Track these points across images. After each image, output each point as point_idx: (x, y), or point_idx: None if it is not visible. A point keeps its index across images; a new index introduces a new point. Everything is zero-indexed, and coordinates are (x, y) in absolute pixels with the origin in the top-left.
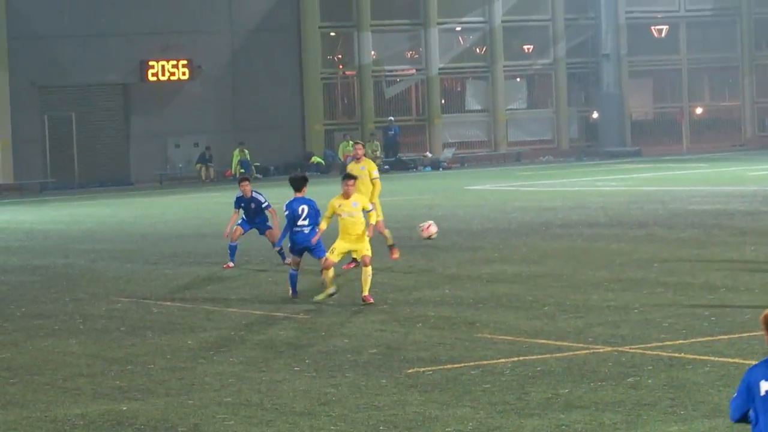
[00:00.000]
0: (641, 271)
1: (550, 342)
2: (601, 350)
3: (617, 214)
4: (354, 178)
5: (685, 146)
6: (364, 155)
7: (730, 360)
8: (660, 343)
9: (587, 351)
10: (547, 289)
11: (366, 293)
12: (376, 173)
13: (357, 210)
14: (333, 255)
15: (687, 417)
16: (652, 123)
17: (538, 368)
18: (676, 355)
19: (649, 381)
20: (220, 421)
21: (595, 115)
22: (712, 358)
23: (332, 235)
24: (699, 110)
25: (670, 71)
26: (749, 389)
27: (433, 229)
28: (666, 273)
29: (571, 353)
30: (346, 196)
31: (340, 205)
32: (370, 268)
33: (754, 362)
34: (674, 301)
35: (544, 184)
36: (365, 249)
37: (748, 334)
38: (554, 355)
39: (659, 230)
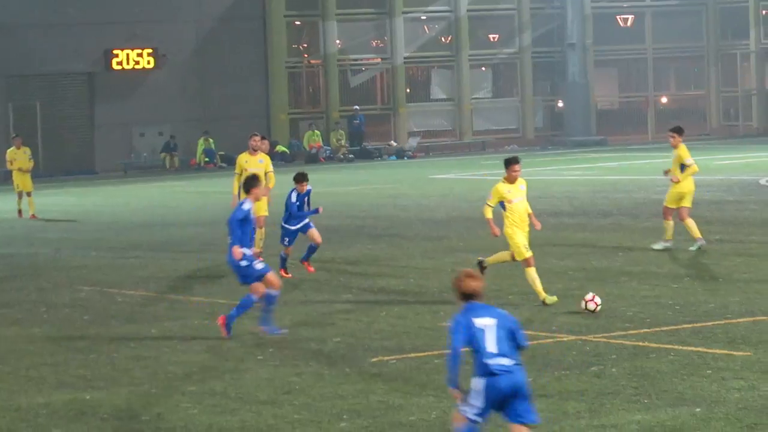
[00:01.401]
0: (606, 260)
1: None
2: (565, 339)
3: (582, 203)
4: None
5: (650, 135)
6: (269, 147)
7: (694, 349)
8: (624, 332)
9: (551, 340)
10: (511, 278)
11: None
12: (271, 167)
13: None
14: None
15: (651, 406)
16: (618, 112)
17: None
18: (640, 344)
19: (613, 370)
20: (183, 410)
21: (561, 104)
22: (676, 346)
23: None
24: (664, 100)
25: (635, 61)
26: (468, 326)
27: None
28: (630, 262)
29: (535, 342)
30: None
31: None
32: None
33: (717, 351)
34: (638, 290)
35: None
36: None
37: (712, 323)
38: None
39: (624, 219)
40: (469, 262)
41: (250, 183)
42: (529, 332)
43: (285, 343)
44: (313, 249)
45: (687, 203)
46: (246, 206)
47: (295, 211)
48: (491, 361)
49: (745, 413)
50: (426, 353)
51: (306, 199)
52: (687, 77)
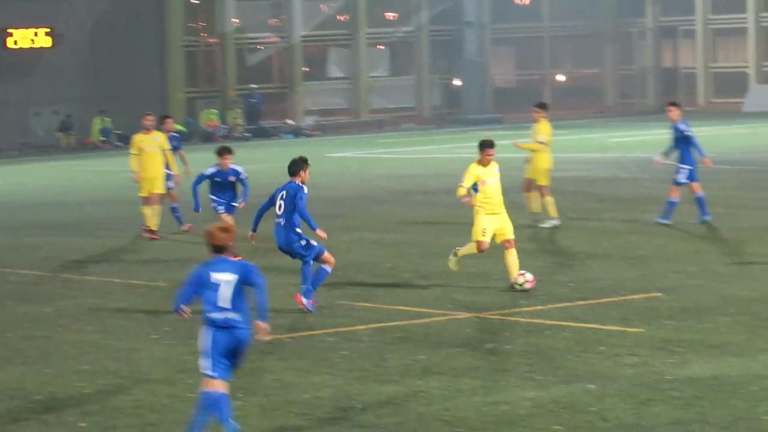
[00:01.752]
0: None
1: (409, 309)
2: (460, 317)
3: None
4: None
5: (548, 113)
6: (174, 125)
7: (588, 325)
8: (519, 309)
9: (446, 317)
10: (407, 256)
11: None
12: (168, 144)
13: None
14: None
15: (544, 382)
16: (515, 90)
17: (397, 335)
18: (535, 321)
19: (508, 347)
20: (77, 390)
21: (458, 82)
22: (571, 323)
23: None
24: (561, 77)
25: (532, 39)
26: (199, 279)
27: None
28: (526, 240)
29: (429, 320)
30: None
31: None
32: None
33: (611, 328)
34: (533, 267)
35: (405, 151)
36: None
37: (606, 299)
38: (413, 321)
39: (520, 197)
40: (365, 240)
41: (297, 166)
42: (424, 310)
43: (179, 323)
44: None
45: (544, 181)
46: (305, 189)
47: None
48: (218, 315)
49: (638, 389)
50: (321, 331)
51: (235, 179)
52: (583, 55)
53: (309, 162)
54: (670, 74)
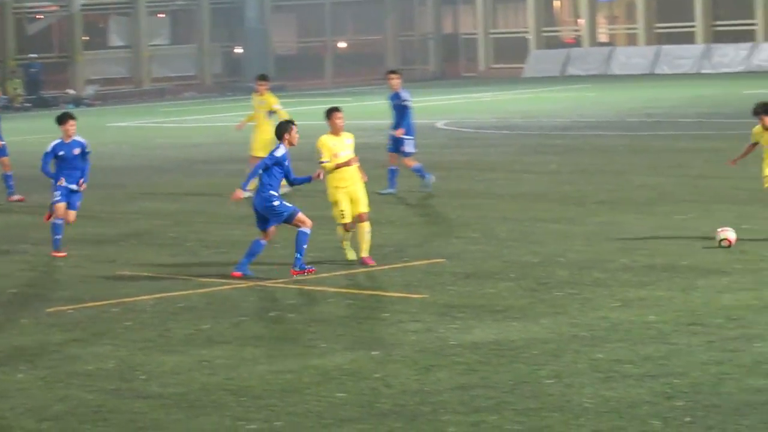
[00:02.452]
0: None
1: (192, 278)
2: (243, 285)
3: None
4: None
5: (329, 81)
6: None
7: (371, 292)
8: (302, 278)
9: (230, 286)
10: (190, 225)
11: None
12: None
13: None
14: None
15: (328, 350)
16: (296, 58)
17: (180, 304)
18: (318, 288)
19: (291, 315)
20: None
21: (239, 50)
22: (354, 291)
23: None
24: (343, 44)
25: (313, 6)
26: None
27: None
28: (308, 208)
29: (213, 288)
30: None
31: None
32: None
33: (394, 294)
34: (317, 234)
35: (187, 120)
36: None
37: (389, 266)
38: (196, 291)
39: (302, 165)
40: (147, 210)
41: (282, 128)
42: (207, 279)
43: None
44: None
45: (263, 152)
46: (279, 152)
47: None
48: None
49: (421, 355)
50: (104, 302)
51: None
52: (365, 22)
53: (294, 122)
54: (450, 40)
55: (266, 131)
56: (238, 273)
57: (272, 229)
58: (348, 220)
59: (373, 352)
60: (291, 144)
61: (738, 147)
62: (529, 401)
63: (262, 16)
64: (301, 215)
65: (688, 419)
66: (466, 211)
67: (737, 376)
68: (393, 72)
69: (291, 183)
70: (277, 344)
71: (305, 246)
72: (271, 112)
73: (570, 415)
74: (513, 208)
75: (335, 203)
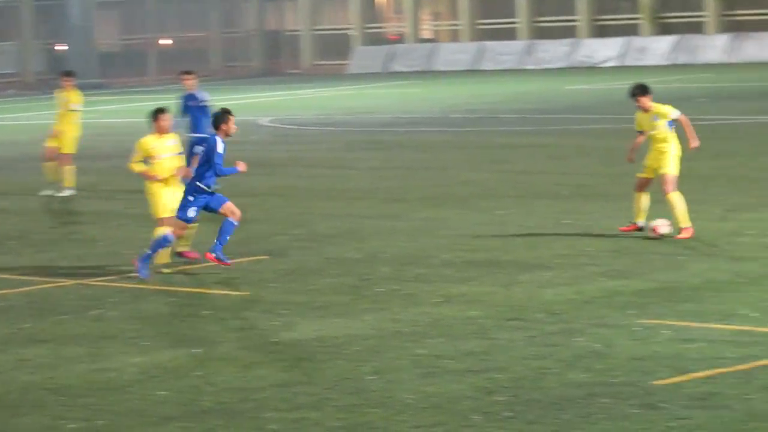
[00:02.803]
0: (106, 203)
1: (12, 277)
2: (64, 283)
3: (84, 146)
4: None
5: (152, 78)
6: None
7: (193, 290)
8: (123, 276)
9: (51, 285)
10: (11, 224)
11: None
12: None
13: None
14: None
15: (150, 348)
16: (119, 55)
17: (0, 303)
18: (140, 286)
19: (113, 313)
20: None
21: (62, 47)
22: (176, 288)
23: None
24: (167, 41)
25: (136, 3)
26: None
27: (665, 229)
28: (132, 205)
29: (33, 287)
30: None
31: None
32: None
33: (217, 291)
34: (140, 233)
35: (8, 118)
36: None
37: (211, 263)
38: (16, 290)
39: (122, 162)
40: None
41: (220, 119)
42: (28, 278)
43: None
44: None
45: (71, 149)
46: (220, 147)
47: None
48: None
49: (244, 353)
50: None
51: None
52: (189, 18)
53: (231, 112)
54: (274, 37)
55: (75, 128)
56: (211, 256)
57: (227, 204)
58: (167, 214)
59: (194, 350)
60: (227, 135)
61: (560, 143)
62: (351, 397)
63: (85, 13)
64: (230, 205)
65: (508, 414)
66: (289, 208)
67: (557, 371)
68: (187, 72)
69: (217, 174)
70: (99, 342)
71: (228, 236)
72: (75, 108)
73: (391, 411)
74: (336, 204)
75: (153, 195)
